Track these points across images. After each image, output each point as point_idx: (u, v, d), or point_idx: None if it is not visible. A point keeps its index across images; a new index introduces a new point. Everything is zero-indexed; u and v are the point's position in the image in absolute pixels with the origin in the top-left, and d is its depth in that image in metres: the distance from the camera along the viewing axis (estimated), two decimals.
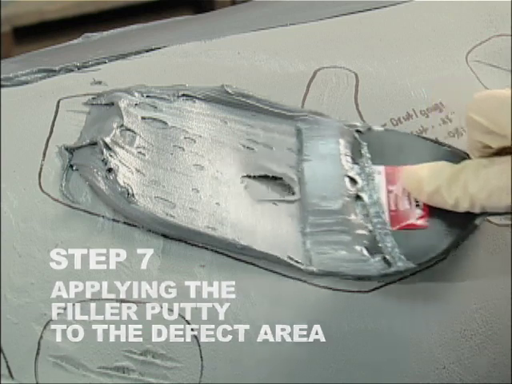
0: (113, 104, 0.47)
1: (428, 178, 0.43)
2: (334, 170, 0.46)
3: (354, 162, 0.46)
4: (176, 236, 0.43)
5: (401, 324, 0.44)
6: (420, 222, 0.43)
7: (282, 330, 0.43)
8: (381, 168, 0.46)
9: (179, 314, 0.42)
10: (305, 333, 0.43)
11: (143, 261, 0.43)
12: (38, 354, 0.41)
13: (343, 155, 0.47)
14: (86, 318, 0.42)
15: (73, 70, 0.51)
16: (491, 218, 0.47)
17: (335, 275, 0.43)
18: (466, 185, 0.41)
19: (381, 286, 0.44)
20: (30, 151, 0.46)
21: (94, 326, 0.42)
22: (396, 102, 0.50)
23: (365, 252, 0.43)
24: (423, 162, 0.44)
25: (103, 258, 0.43)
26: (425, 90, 0.51)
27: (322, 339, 0.43)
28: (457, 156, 0.45)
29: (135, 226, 0.43)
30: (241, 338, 0.42)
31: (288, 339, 0.43)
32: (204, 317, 0.42)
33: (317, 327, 0.43)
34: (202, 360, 0.42)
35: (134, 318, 0.42)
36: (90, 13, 1.08)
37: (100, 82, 0.50)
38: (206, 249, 0.43)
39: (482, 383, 0.45)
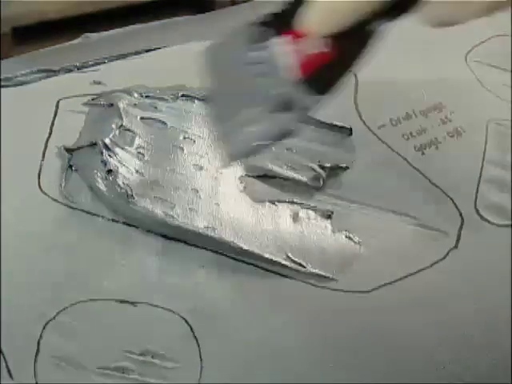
0: (112, 105, 0.47)
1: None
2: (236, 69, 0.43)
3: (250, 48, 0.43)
4: (175, 236, 0.43)
5: (400, 324, 0.44)
6: (327, 57, 0.41)
7: (282, 329, 0.43)
8: (277, 39, 0.43)
9: (179, 315, 0.42)
10: (305, 333, 0.43)
11: (143, 261, 0.43)
12: (37, 354, 0.41)
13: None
14: (85, 318, 0.42)
15: (72, 71, 0.51)
16: (491, 218, 0.47)
17: (254, 151, 0.42)
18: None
19: (380, 286, 0.44)
20: (29, 151, 0.46)
21: (93, 327, 0.42)
22: (395, 102, 0.50)
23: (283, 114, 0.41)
24: None
25: (103, 258, 0.43)
26: (424, 90, 0.51)
27: (322, 339, 0.43)
28: None
29: (135, 226, 0.43)
30: (240, 338, 0.42)
31: (288, 339, 0.43)
32: (204, 317, 0.42)
33: (317, 327, 0.43)
34: (201, 360, 0.42)
35: (134, 318, 0.42)
36: (89, 13, 1.08)
37: (99, 82, 0.50)
38: (206, 249, 0.43)
39: (481, 383, 0.45)
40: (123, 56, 0.52)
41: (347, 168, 0.47)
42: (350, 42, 0.41)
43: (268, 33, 0.44)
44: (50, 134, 0.47)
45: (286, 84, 0.42)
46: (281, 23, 0.44)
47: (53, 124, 0.47)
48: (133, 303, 0.42)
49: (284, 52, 0.42)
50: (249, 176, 0.46)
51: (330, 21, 0.41)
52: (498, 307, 0.46)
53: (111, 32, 0.61)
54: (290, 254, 0.44)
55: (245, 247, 0.43)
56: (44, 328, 0.41)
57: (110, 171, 0.44)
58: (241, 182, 0.46)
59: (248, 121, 0.42)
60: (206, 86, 0.44)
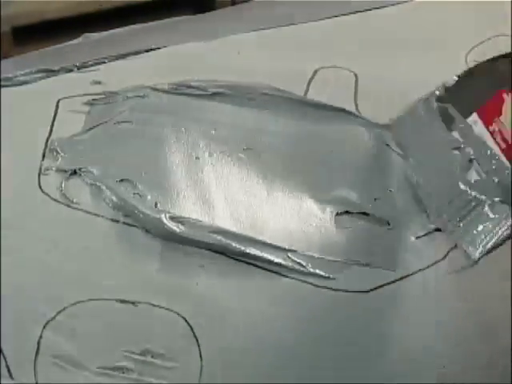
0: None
1: None
2: (439, 152, 0.44)
3: (450, 129, 0.44)
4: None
5: (400, 324, 0.44)
6: None
7: (282, 329, 0.43)
8: (473, 116, 0.43)
9: (179, 314, 0.42)
10: (304, 332, 0.43)
11: (143, 261, 0.43)
12: (37, 353, 0.41)
13: (438, 128, 0.44)
14: (85, 318, 0.42)
15: (72, 70, 0.51)
16: None
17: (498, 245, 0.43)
18: None
19: (380, 286, 0.44)
20: (29, 151, 0.46)
21: (93, 327, 0.42)
22: (395, 102, 0.50)
23: (503, 205, 0.42)
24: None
25: (103, 258, 0.43)
26: (424, 89, 0.51)
27: (322, 339, 0.43)
28: None
29: (135, 226, 0.43)
30: (240, 338, 0.42)
31: (288, 339, 0.43)
32: (203, 317, 0.42)
33: (317, 327, 0.43)
34: (201, 360, 0.42)
35: (134, 318, 0.42)
36: (89, 13, 1.08)
37: (99, 82, 0.50)
38: (206, 249, 0.43)
39: (481, 383, 0.45)
40: (123, 56, 0.52)
41: None
42: None
43: (459, 108, 0.43)
44: (50, 133, 0.47)
45: (504, 172, 0.42)
46: (468, 98, 0.43)
47: (53, 124, 0.47)
48: (133, 303, 0.42)
49: (487, 135, 0.42)
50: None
51: None
52: (497, 307, 0.46)
53: (111, 32, 0.61)
54: (289, 254, 0.44)
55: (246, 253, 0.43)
56: (44, 328, 0.41)
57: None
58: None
59: (479, 217, 0.42)
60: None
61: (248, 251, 0.43)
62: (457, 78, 0.43)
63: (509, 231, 0.42)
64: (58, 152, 0.46)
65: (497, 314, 0.46)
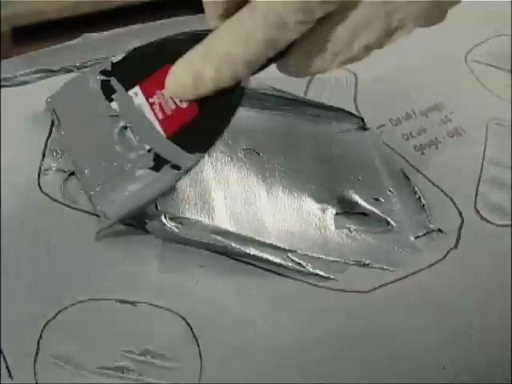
0: None
1: (182, 72, 0.40)
2: (96, 123, 0.44)
3: (110, 99, 0.44)
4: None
5: (400, 324, 0.44)
6: (187, 114, 0.41)
7: (282, 329, 0.43)
8: (135, 88, 0.43)
9: (179, 315, 0.42)
10: (305, 333, 0.43)
11: (143, 261, 0.43)
12: (37, 354, 0.41)
13: (94, 100, 0.44)
14: (85, 318, 0.42)
15: (72, 71, 0.51)
16: (491, 218, 0.47)
17: (136, 211, 0.43)
18: (218, 48, 0.38)
19: (380, 286, 0.44)
20: (29, 151, 0.46)
21: (93, 327, 0.42)
22: (395, 102, 0.50)
23: (151, 171, 0.42)
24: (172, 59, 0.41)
25: (103, 258, 0.43)
26: (424, 90, 0.51)
27: (322, 339, 0.43)
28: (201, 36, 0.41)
29: (134, 226, 0.43)
30: (240, 338, 0.42)
31: (288, 339, 0.43)
32: (203, 317, 0.42)
33: (317, 327, 0.43)
34: (201, 360, 0.42)
35: (134, 318, 0.42)
36: (89, 13, 1.08)
37: None
38: (206, 249, 0.43)
39: (481, 383, 0.45)
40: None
41: None
42: (213, 99, 0.40)
43: (122, 81, 0.44)
44: (50, 133, 0.47)
45: (158, 141, 0.42)
46: (134, 72, 0.44)
47: (53, 124, 0.47)
48: (133, 303, 0.42)
49: (147, 106, 0.43)
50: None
51: (193, 88, 0.39)
52: (497, 307, 0.46)
53: (111, 32, 0.61)
54: (289, 255, 0.44)
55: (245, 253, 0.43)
56: (44, 328, 0.41)
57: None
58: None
59: (126, 179, 0.43)
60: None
61: (248, 251, 0.43)
62: (124, 54, 0.45)
63: (153, 194, 0.42)
64: (57, 152, 0.46)
65: (498, 314, 0.46)
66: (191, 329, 0.42)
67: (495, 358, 0.45)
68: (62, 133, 0.45)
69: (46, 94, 0.47)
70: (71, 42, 0.60)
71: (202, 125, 0.41)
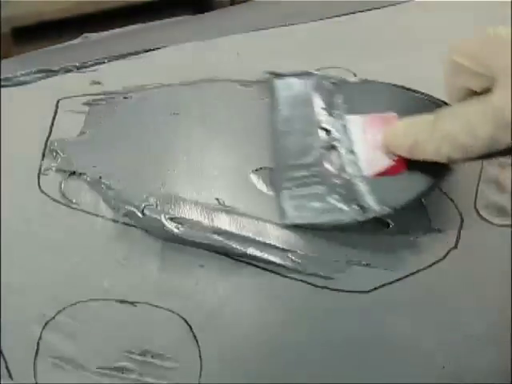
0: None
1: (404, 133, 0.42)
2: (307, 123, 0.46)
3: (329, 113, 0.46)
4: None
5: (400, 324, 0.44)
6: (396, 169, 0.42)
7: (282, 329, 0.43)
8: (356, 117, 0.45)
9: (179, 315, 0.42)
10: (304, 333, 0.43)
11: (143, 261, 0.43)
12: (37, 354, 0.41)
13: (317, 107, 0.46)
14: (85, 318, 0.42)
15: (72, 71, 0.51)
16: (491, 218, 0.47)
17: (312, 227, 0.43)
18: (444, 128, 0.40)
19: (380, 286, 0.44)
20: (29, 151, 0.46)
21: (93, 327, 0.42)
22: None
23: (340, 201, 0.43)
24: (400, 110, 0.44)
25: (103, 258, 0.43)
26: (424, 90, 0.51)
27: (322, 339, 0.43)
28: (435, 104, 0.44)
29: (134, 226, 0.43)
30: (240, 338, 0.42)
31: (288, 339, 0.43)
32: (203, 317, 0.42)
33: (317, 327, 0.43)
34: (201, 360, 0.42)
35: (134, 318, 0.42)
36: (89, 13, 1.08)
37: (99, 83, 0.50)
38: (206, 249, 0.43)
39: (481, 383, 0.45)
40: (123, 56, 0.52)
41: None
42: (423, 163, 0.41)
43: (347, 101, 0.45)
44: (50, 133, 0.47)
45: (358, 176, 0.43)
46: (362, 100, 0.45)
47: (52, 124, 0.47)
48: (133, 303, 0.42)
49: (359, 138, 0.44)
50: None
51: (408, 151, 0.41)
52: (497, 307, 0.46)
53: (111, 32, 0.61)
54: (289, 255, 0.44)
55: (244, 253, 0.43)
56: (44, 328, 0.41)
57: None
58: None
59: (316, 194, 0.43)
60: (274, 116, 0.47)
61: (248, 251, 0.43)
62: (358, 80, 0.47)
63: (331, 221, 0.43)
64: (57, 152, 0.46)
65: (498, 314, 0.46)
66: (191, 329, 0.42)
67: (495, 358, 0.45)
68: (282, 114, 0.47)
69: (46, 94, 0.47)
70: (71, 42, 0.60)
71: (402, 182, 0.42)
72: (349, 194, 0.43)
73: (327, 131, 0.45)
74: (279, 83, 0.49)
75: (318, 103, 0.47)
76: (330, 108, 0.46)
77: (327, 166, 0.44)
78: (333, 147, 0.45)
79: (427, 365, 0.44)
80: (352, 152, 0.44)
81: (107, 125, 0.48)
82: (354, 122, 0.45)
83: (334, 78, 0.47)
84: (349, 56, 0.52)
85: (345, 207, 0.43)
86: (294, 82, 0.48)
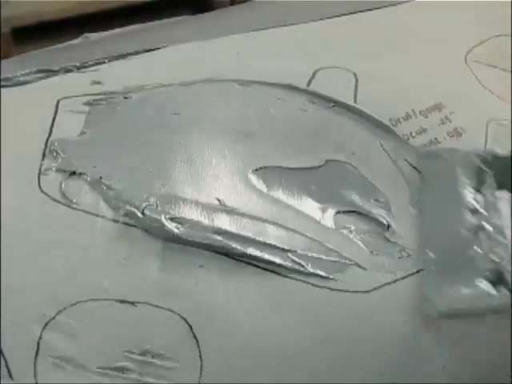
0: None
1: None
2: (453, 203, 0.44)
3: (477, 190, 0.44)
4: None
5: (401, 324, 0.44)
6: None
7: (282, 329, 0.43)
8: (507, 195, 0.43)
9: (179, 315, 0.42)
10: (305, 333, 0.43)
11: (143, 261, 0.43)
12: (37, 354, 0.41)
13: (462, 184, 0.44)
14: (85, 318, 0.42)
15: (72, 71, 0.51)
16: None
17: (463, 314, 0.42)
18: None
19: (380, 286, 0.44)
20: (29, 152, 0.46)
21: (93, 327, 0.42)
22: (395, 103, 0.50)
23: (490, 286, 0.42)
24: None
25: (103, 258, 0.43)
26: (424, 90, 0.51)
27: (322, 339, 0.43)
28: None
29: (134, 226, 0.43)
30: (240, 338, 0.42)
31: (288, 339, 0.43)
32: (204, 317, 0.42)
33: (317, 327, 0.43)
34: (201, 360, 0.42)
35: (134, 318, 0.42)
36: (89, 13, 1.08)
37: (99, 83, 0.50)
38: (206, 249, 0.43)
39: (481, 383, 0.45)
40: (123, 56, 0.52)
41: None
42: None
43: (498, 177, 0.43)
44: (50, 133, 0.47)
45: (505, 259, 0.41)
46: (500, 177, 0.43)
47: (53, 124, 0.47)
48: (133, 303, 0.42)
49: (509, 219, 0.42)
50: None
51: None
52: (497, 307, 0.46)
53: (111, 32, 0.61)
54: (289, 255, 0.44)
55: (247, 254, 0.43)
56: (44, 328, 0.41)
57: None
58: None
59: (464, 280, 0.42)
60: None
61: (248, 251, 0.43)
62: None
63: (483, 308, 0.42)
64: (58, 152, 0.46)
65: (498, 315, 0.46)
66: (191, 329, 0.42)
67: (495, 358, 0.45)
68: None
69: (46, 94, 0.47)
70: (71, 42, 0.60)
71: None
72: (498, 277, 0.42)
73: (475, 211, 0.44)
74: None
75: (465, 181, 0.44)
76: (478, 185, 0.44)
77: (474, 248, 0.42)
78: (480, 227, 0.43)
79: (427, 365, 0.44)
80: (502, 233, 0.43)
81: (107, 125, 0.48)
82: (505, 200, 0.43)
83: (481, 152, 0.45)
84: (349, 56, 0.52)
85: (494, 292, 0.42)
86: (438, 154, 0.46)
